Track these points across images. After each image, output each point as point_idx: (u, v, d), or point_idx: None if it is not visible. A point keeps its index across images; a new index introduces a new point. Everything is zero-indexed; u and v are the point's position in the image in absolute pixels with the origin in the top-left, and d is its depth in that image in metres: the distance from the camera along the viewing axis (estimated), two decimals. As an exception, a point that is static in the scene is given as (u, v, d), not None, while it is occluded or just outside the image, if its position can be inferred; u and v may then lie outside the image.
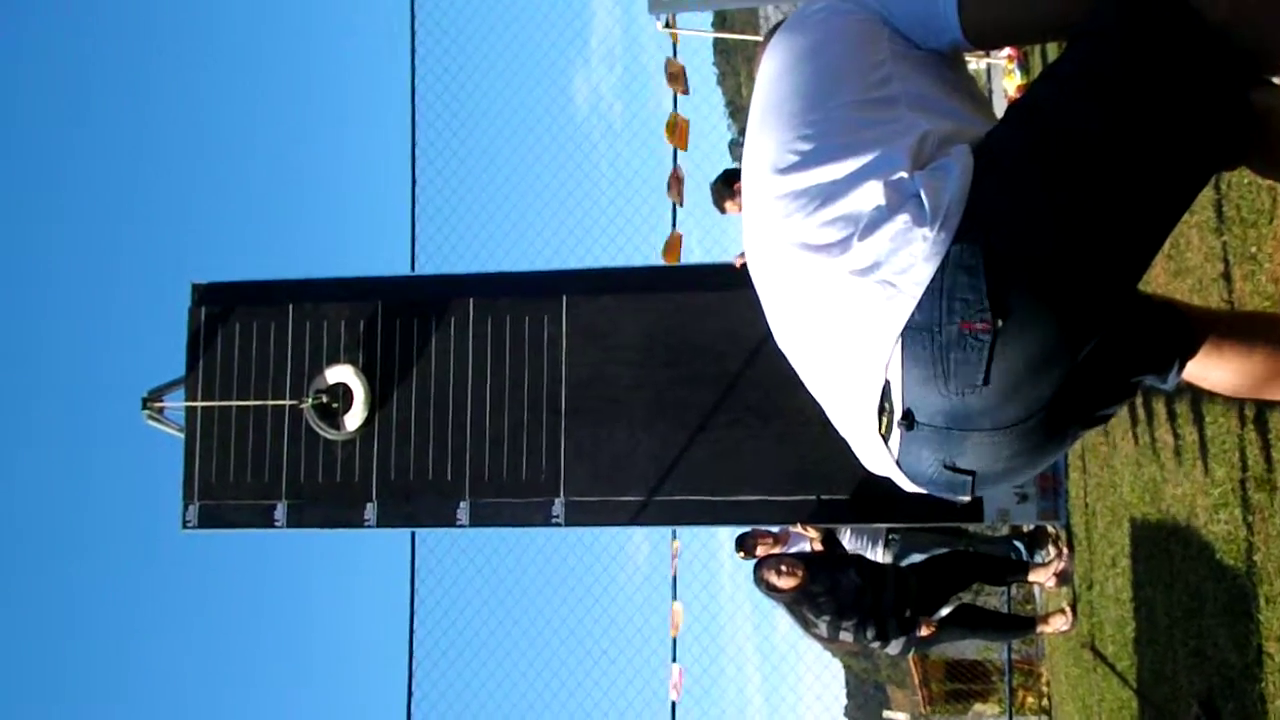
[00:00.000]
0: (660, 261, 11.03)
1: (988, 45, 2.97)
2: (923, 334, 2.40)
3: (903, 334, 2.42)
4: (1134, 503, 7.68)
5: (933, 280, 2.37)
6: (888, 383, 2.50)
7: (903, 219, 2.41)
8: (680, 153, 11.86)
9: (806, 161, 2.61)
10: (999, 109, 14.95)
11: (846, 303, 2.51)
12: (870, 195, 2.47)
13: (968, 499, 2.70)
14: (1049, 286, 2.36)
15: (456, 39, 12.74)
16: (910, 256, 2.39)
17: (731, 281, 9.16)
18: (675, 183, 11.86)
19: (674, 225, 11.52)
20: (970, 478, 2.58)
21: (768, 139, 2.75)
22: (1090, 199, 2.38)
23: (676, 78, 12.13)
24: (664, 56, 12.19)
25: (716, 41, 16.55)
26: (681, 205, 11.71)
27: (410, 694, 11.98)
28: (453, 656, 12.25)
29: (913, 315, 2.40)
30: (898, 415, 2.51)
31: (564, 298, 9.89)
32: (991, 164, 2.43)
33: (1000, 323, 2.33)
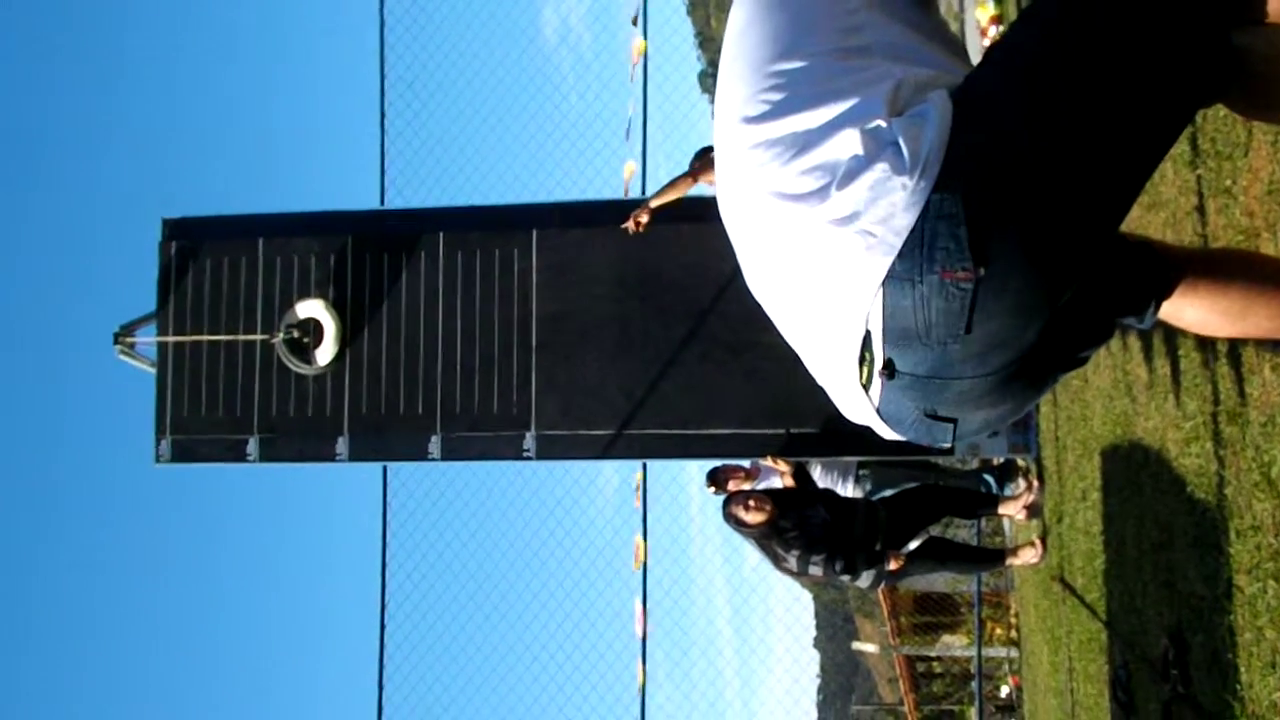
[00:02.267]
0: (627, 196, 11.01)
1: None
2: (903, 283, 2.39)
3: (883, 284, 2.41)
4: (1104, 436, 7.70)
5: (913, 229, 2.36)
6: (868, 333, 2.49)
7: (881, 167, 2.40)
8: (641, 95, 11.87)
9: (779, 110, 2.59)
10: (971, 39, 14.95)
11: (825, 253, 2.50)
12: (847, 143, 2.46)
13: (949, 445, 2.70)
14: (1031, 233, 2.35)
15: (425, -31, 12.68)
16: (890, 206, 2.38)
17: (703, 214, 9.13)
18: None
19: (643, 157, 11.51)
20: (952, 424, 2.58)
21: (739, 88, 2.73)
22: (1072, 141, 2.37)
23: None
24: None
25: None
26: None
27: (383, 626, 12.00)
28: (424, 589, 12.28)
29: (893, 265, 2.39)
30: (878, 365, 2.51)
31: (534, 232, 9.88)
32: (971, 109, 2.42)
33: (982, 271, 2.33)
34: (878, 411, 2.63)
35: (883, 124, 2.44)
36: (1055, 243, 2.38)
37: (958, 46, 2.93)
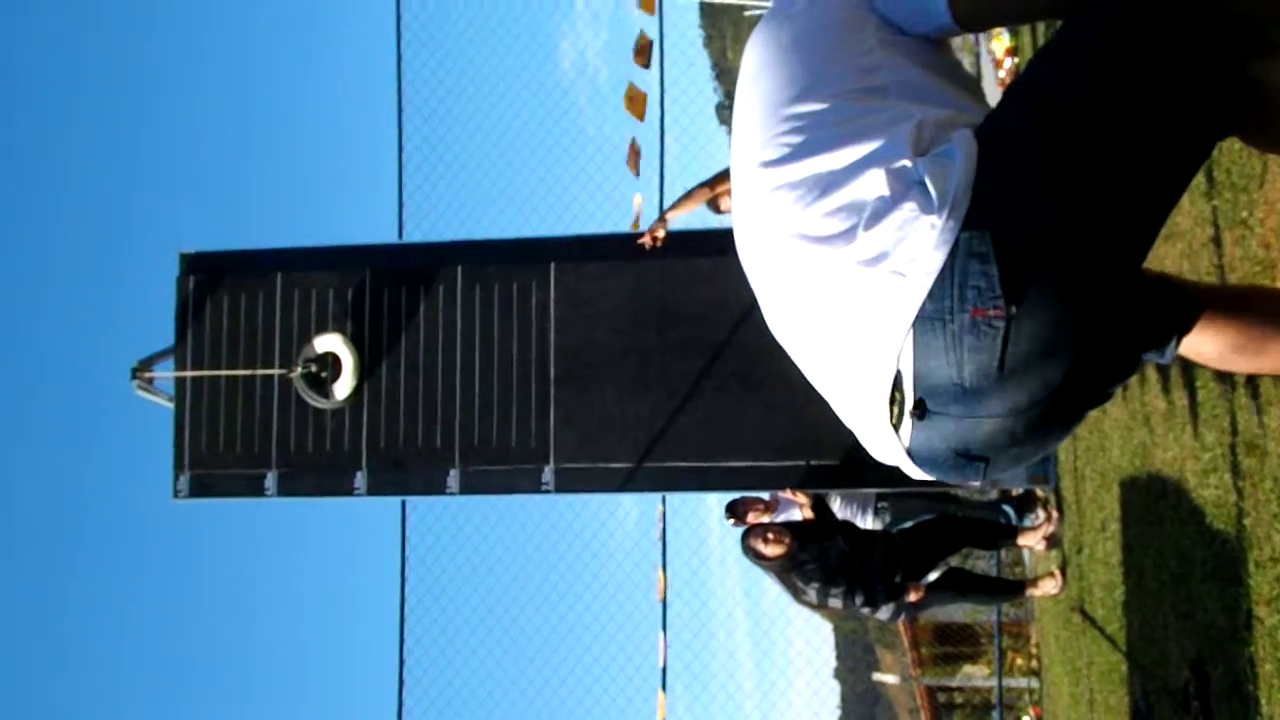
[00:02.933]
0: (638, 228, 11.01)
1: (975, 29, 2.95)
2: (934, 323, 2.40)
3: (914, 323, 2.42)
4: (1123, 467, 7.69)
5: (943, 268, 2.37)
6: (899, 373, 2.50)
7: (909, 207, 2.40)
8: (638, 125, 11.85)
9: (799, 152, 2.60)
10: (987, 72, 14.93)
11: (854, 294, 2.50)
12: (873, 184, 2.46)
13: (980, 483, 2.71)
14: (1061, 270, 2.36)
15: (442, 4, 12.73)
16: (919, 245, 2.39)
17: (722, 248, 9.12)
18: (633, 155, 11.84)
19: (660, 189, 11.54)
20: (983, 463, 2.59)
21: (756, 133, 2.73)
22: (1096, 177, 2.37)
23: (642, 51, 12.07)
24: (645, 22, 12.14)
25: (703, 5, 16.49)
26: (637, 177, 11.72)
27: (402, 661, 12.01)
28: (443, 624, 12.30)
29: (924, 304, 2.40)
30: (909, 405, 2.52)
31: (552, 264, 9.86)
32: (995, 147, 2.42)
33: (1014, 309, 2.34)
34: (908, 451, 2.63)
35: (908, 164, 2.45)
36: (1085, 279, 2.38)
37: (973, 85, 2.94)
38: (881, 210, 2.44)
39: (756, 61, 2.85)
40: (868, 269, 2.46)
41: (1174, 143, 2.47)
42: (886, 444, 2.67)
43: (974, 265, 2.34)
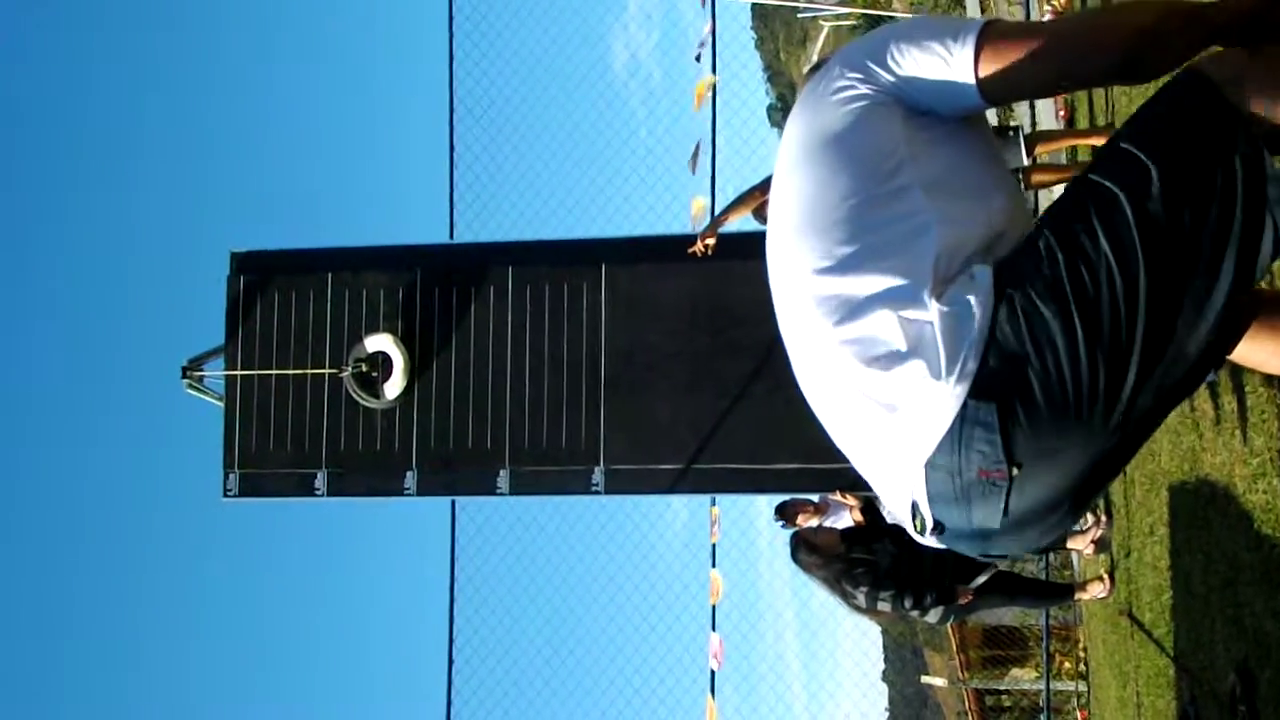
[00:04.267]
0: (695, 229, 11.02)
1: (1003, 103, 2.98)
2: (944, 473, 2.52)
3: (925, 467, 2.54)
4: (1172, 471, 7.68)
5: (949, 429, 2.47)
6: (915, 502, 2.63)
7: (919, 367, 2.49)
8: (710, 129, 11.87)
9: (826, 267, 2.67)
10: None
11: (871, 424, 2.63)
12: (888, 328, 2.55)
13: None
14: (1064, 440, 2.45)
15: (494, 3, 12.74)
16: (927, 406, 2.49)
17: (759, 253, 9.08)
18: (695, 157, 11.87)
19: (711, 191, 11.54)
20: (1004, 556, 2.72)
21: (792, 236, 2.79)
22: (1112, 349, 2.41)
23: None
24: (701, 19, 12.16)
25: (755, 6, 16.50)
26: (694, 174, 11.74)
27: (451, 661, 12.03)
28: (493, 624, 12.31)
29: (932, 456, 2.51)
30: (929, 525, 2.64)
31: (603, 266, 9.88)
32: (1010, 303, 2.46)
33: (1016, 471, 2.44)
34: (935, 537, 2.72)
35: (922, 314, 2.51)
36: (1090, 441, 2.46)
37: (999, 160, 2.97)
38: (894, 358, 2.53)
39: (794, 150, 2.86)
40: (882, 411, 2.58)
41: (1200, 314, 2.45)
42: (908, 528, 2.78)
43: (979, 432, 2.44)
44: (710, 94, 11.95)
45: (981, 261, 2.56)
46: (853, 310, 2.59)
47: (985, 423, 2.42)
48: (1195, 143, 2.45)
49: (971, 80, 2.65)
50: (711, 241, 9.02)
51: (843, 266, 2.63)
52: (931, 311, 2.49)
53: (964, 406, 2.43)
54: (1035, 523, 2.56)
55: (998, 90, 2.69)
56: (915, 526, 2.70)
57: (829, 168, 2.74)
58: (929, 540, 2.70)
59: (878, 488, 2.81)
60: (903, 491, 2.66)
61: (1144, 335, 2.39)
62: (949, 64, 2.67)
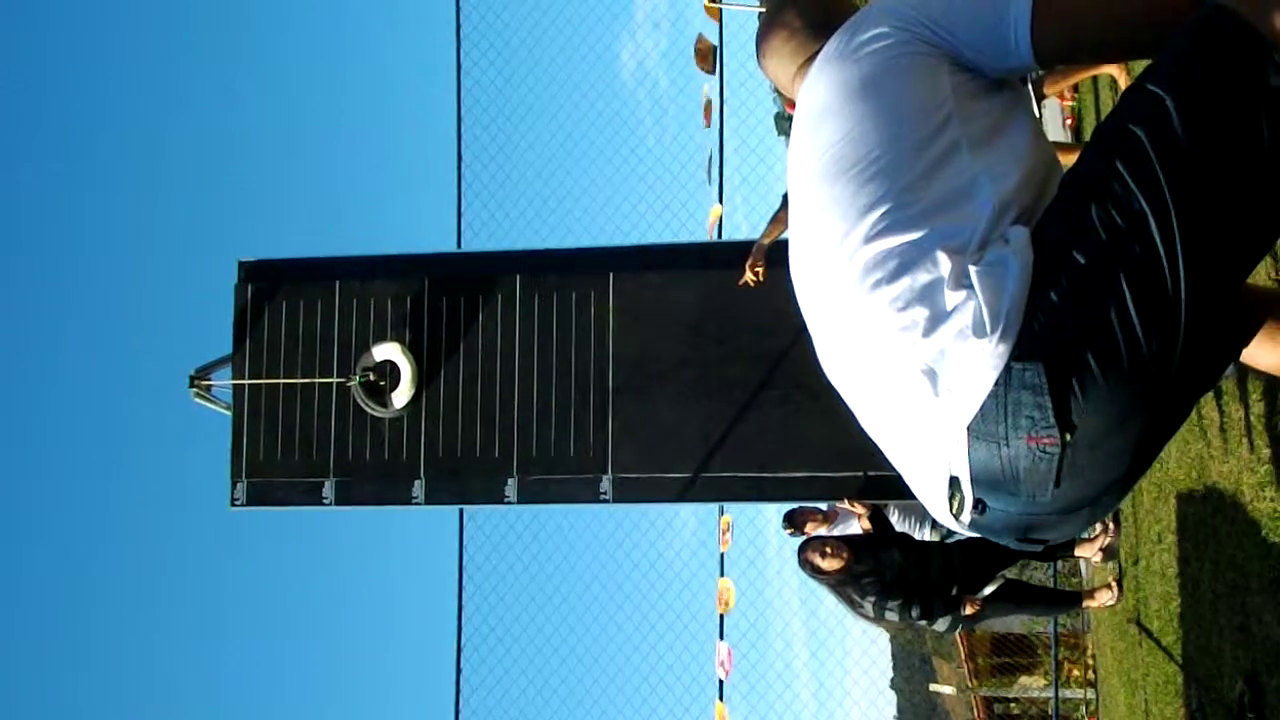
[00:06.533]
0: (706, 238, 11.02)
1: (1052, 62, 2.72)
2: (988, 441, 2.38)
3: (967, 436, 2.41)
4: (1180, 479, 7.68)
5: (994, 390, 2.34)
6: (955, 477, 2.50)
7: (961, 323, 2.38)
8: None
9: (869, 230, 2.54)
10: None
11: (911, 394, 2.50)
12: (928, 290, 2.44)
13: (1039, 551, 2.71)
14: (1118, 399, 2.32)
15: (501, 12, 12.74)
16: (970, 365, 2.36)
17: (782, 259, 9.05)
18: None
19: (720, 200, 11.54)
20: (1043, 542, 2.59)
21: (824, 194, 2.66)
22: (1156, 300, 2.29)
23: (704, 55, 12.09)
24: (706, 29, 12.17)
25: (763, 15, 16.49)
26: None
27: (459, 670, 12.04)
28: (501, 633, 12.32)
29: (974, 422, 2.38)
30: (968, 502, 2.50)
31: (611, 274, 9.87)
32: (1049, 262, 2.36)
33: (1068, 437, 2.31)
34: (969, 526, 2.60)
35: (964, 277, 2.40)
36: (1144, 401, 2.34)
37: (1038, 125, 2.82)
38: (934, 320, 2.42)
39: (818, 105, 2.73)
40: (921, 377, 2.46)
41: (1240, 262, 2.41)
42: (942, 516, 2.64)
43: (1026, 396, 2.31)
44: (718, 110, 11.97)
45: (1024, 222, 2.49)
46: (892, 273, 2.48)
47: (1032, 385, 2.29)
48: (1218, 72, 2.34)
49: (1026, 33, 2.54)
50: (761, 268, 8.90)
51: (882, 225, 2.52)
52: (973, 273, 2.39)
53: (1008, 369, 2.31)
54: (1086, 500, 2.44)
55: (1052, 44, 2.57)
56: (953, 508, 2.55)
57: (870, 119, 2.62)
58: (964, 523, 2.57)
59: (909, 473, 2.68)
60: (939, 469, 2.53)
61: (1187, 282, 2.28)
62: (1002, 14, 2.56)
